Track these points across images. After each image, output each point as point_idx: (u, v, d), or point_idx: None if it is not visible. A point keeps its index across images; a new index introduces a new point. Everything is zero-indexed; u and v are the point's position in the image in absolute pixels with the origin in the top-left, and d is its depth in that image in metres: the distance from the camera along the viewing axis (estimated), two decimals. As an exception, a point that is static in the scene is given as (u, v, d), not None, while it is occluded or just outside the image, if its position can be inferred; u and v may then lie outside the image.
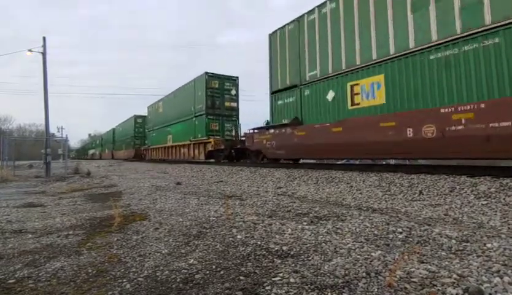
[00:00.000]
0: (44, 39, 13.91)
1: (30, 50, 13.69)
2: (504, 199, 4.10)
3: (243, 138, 13.58)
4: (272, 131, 10.72)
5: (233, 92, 16.30)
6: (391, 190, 5.34)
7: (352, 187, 6.00)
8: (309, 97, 9.47)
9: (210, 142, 14.71)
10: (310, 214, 3.84)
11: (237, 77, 16.56)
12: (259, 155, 11.81)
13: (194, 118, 16.55)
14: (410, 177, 5.92)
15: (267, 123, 11.64)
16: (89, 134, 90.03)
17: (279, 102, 10.83)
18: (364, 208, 4.31)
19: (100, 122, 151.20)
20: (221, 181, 8.67)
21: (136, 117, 29.32)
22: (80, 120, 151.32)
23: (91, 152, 56.32)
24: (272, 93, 11.14)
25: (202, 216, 3.93)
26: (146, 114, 28.59)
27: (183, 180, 9.28)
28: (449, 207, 4.07)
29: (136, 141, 28.54)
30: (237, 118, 16.44)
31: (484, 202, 4.11)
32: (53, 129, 42.09)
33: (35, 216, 4.38)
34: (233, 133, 15.94)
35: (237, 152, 14.48)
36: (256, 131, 11.82)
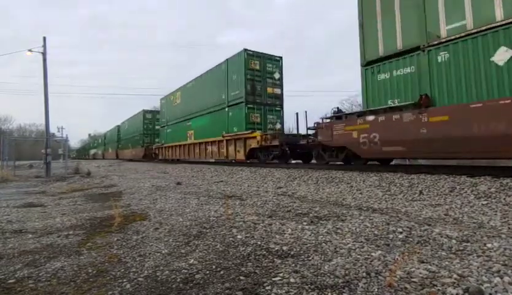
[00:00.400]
0: (44, 39, 13.92)
1: (30, 50, 13.70)
2: (504, 199, 4.10)
3: (310, 130, 10.15)
4: (371, 118, 7.31)
5: (277, 75, 13.07)
6: (391, 190, 5.33)
7: (352, 187, 6.00)
8: (448, 63, 6.20)
9: (254, 137, 11.55)
10: (311, 214, 3.84)
11: (281, 57, 13.31)
12: (342, 154, 8.53)
13: (227, 109, 13.40)
14: (410, 177, 5.92)
15: (338, 111, 8.76)
16: (89, 134, 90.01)
17: (381, 76, 7.51)
18: (365, 208, 4.31)
19: (101, 122, 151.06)
20: (222, 181, 8.67)
21: (145, 112, 26.55)
22: (80, 120, 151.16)
23: (92, 151, 54.46)
24: (367, 64, 7.83)
25: (203, 216, 3.93)
26: (154, 109, 26.71)
27: (183, 180, 9.29)
28: (449, 207, 4.07)
29: (145, 139, 25.87)
30: (282, 108, 13.31)
31: (484, 202, 4.11)
32: (53, 129, 41.99)
33: (36, 216, 4.38)
34: (277, 127, 12.93)
35: (293, 150, 11.28)
36: (337, 119, 8.41)
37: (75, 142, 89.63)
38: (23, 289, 2.00)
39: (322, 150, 9.23)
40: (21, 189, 8.54)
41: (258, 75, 12.61)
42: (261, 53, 12.85)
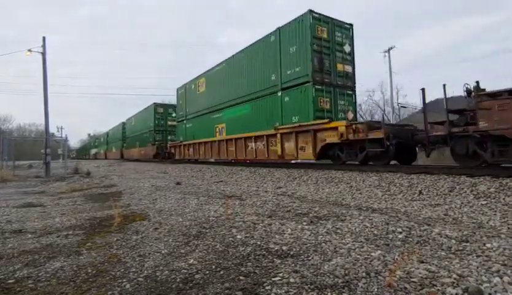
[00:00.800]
0: (44, 39, 13.91)
1: (30, 50, 13.69)
2: (504, 199, 4.10)
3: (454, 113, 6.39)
4: None
5: (347, 48, 9.66)
6: (391, 190, 5.34)
7: (351, 187, 6.00)
8: None
9: (333, 128, 8.15)
10: (310, 214, 3.84)
11: (352, 25, 9.90)
12: None
13: (280, 93, 9.93)
14: (410, 177, 5.92)
15: (477, 86, 5.83)
16: (89, 134, 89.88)
17: None
18: (364, 208, 4.31)
19: (100, 122, 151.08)
20: (221, 181, 8.67)
21: (156, 105, 23.43)
22: (80, 120, 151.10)
23: (93, 151, 52.61)
24: None
25: (202, 216, 3.93)
26: (163, 102, 25.07)
27: (183, 180, 9.28)
28: (448, 207, 4.07)
29: (157, 136, 22.72)
30: (354, 91, 9.84)
31: (484, 202, 4.11)
32: (52, 129, 41.72)
33: (35, 216, 4.38)
34: (350, 116, 9.49)
35: (401, 147, 7.43)
36: None
37: (74, 142, 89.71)
38: (22, 289, 1.99)
39: (476, 144, 5.85)
40: (20, 189, 8.53)
41: (327, 46, 9.20)
42: (329, 17, 9.42)
